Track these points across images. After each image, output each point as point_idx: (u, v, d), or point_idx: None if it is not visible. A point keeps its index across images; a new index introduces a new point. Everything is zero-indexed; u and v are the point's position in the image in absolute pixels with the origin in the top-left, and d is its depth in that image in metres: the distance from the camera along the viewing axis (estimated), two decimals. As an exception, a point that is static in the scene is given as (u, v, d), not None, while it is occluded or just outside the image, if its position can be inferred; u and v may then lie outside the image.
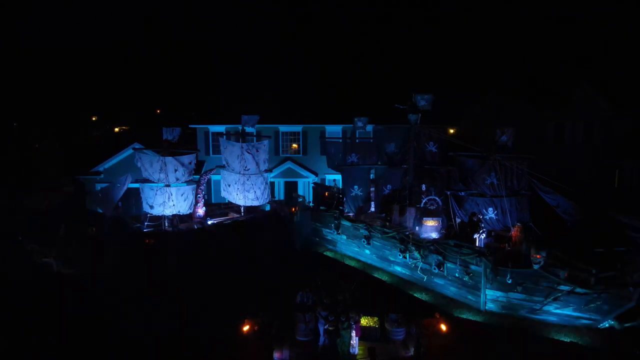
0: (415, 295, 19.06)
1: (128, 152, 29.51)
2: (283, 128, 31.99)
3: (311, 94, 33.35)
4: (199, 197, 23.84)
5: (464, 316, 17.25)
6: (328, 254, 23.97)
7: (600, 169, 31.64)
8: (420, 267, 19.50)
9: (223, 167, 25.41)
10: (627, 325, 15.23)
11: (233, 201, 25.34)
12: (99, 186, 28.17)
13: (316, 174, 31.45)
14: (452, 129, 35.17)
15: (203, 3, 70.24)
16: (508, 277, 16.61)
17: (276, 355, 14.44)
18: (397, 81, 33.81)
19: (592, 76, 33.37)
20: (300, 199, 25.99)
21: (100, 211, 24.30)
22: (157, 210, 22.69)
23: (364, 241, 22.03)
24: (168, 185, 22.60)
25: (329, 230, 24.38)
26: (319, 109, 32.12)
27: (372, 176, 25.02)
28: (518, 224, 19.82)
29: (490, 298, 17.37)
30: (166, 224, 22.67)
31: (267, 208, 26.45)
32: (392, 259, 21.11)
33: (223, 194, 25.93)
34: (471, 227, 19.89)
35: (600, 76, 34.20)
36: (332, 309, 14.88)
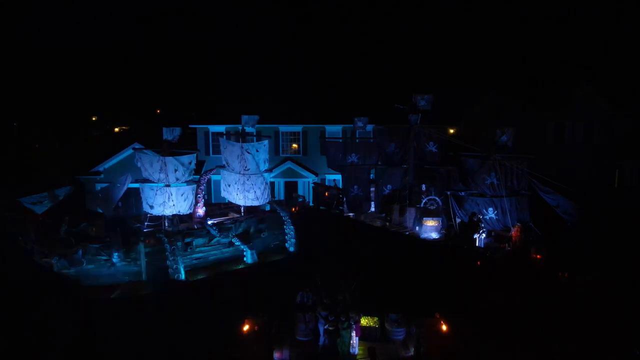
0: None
1: (128, 152, 29.49)
2: (283, 128, 31.97)
3: (311, 94, 33.32)
4: (199, 197, 23.82)
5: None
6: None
7: (600, 169, 31.64)
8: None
9: (223, 167, 25.39)
10: None
11: (233, 201, 25.31)
12: (99, 186, 28.15)
13: (316, 174, 31.43)
14: (452, 129, 35.16)
15: (203, 3, 70.28)
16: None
17: (276, 355, 14.43)
18: (397, 81, 33.79)
19: (592, 76, 33.36)
20: (300, 199, 25.99)
21: (100, 211, 24.26)
22: (157, 210, 22.67)
23: None
24: (168, 185, 22.58)
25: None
26: (319, 109, 32.10)
27: (372, 176, 25.03)
28: (518, 224, 19.84)
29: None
30: (166, 224, 22.64)
31: (267, 208, 26.44)
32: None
33: (223, 194, 25.91)
34: (471, 227, 19.91)
35: (600, 76, 34.19)
36: (332, 309, 14.87)
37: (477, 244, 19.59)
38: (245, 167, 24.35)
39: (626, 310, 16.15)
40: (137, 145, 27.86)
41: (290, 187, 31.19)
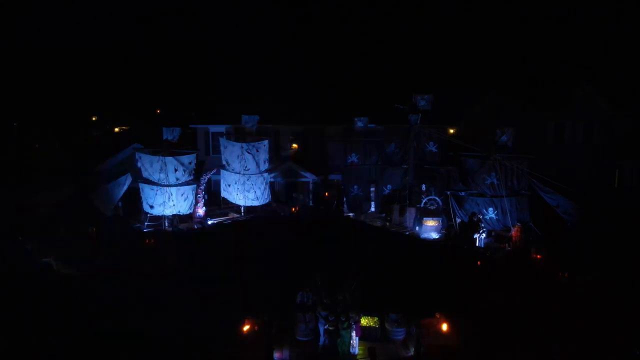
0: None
1: (128, 152, 29.48)
2: (283, 128, 31.94)
3: (311, 94, 33.29)
4: (199, 197, 23.84)
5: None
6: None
7: (600, 169, 31.62)
8: None
9: (223, 167, 25.39)
10: None
11: (233, 201, 25.31)
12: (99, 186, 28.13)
13: (316, 174, 31.40)
14: (452, 129, 35.14)
15: (203, 3, 70.30)
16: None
17: (276, 355, 14.42)
18: (397, 81, 33.77)
19: (592, 76, 33.34)
20: (300, 199, 26.01)
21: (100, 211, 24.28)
22: (157, 210, 22.68)
23: None
24: (168, 185, 22.60)
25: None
26: (319, 109, 32.06)
27: (372, 176, 25.05)
28: (518, 224, 19.85)
29: (491, 298, 17.23)
30: (166, 224, 22.66)
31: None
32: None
33: (223, 194, 25.90)
34: (471, 227, 19.91)
35: (600, 76, 34.17)
36: (332, 309, 14.87)
37: (477, 244, 19.59)
38: (245, 167, 24.35)
39: (626, 310, 16.14)
40: (137, 145, 27.85)
41: (290, 187, 31.16)
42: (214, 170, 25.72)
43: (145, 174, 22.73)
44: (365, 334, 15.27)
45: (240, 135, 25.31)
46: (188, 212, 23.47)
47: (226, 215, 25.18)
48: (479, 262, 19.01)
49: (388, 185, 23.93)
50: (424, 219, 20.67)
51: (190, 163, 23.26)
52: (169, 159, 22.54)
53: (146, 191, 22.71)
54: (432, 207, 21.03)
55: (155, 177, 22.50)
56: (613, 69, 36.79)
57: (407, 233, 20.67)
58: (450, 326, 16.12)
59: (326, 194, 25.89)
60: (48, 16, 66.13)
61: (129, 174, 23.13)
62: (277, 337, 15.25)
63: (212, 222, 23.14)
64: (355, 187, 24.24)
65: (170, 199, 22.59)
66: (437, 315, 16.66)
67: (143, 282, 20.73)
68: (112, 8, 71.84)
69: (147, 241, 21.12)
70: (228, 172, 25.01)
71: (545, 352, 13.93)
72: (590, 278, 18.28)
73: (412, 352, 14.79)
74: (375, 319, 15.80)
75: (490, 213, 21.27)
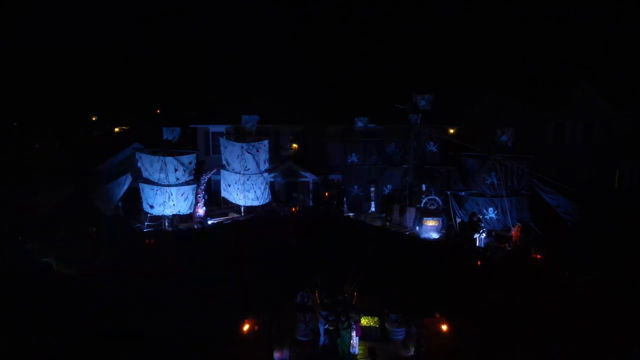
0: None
1: (128, 152, 29.47)
2: (283, 128, 31.94)
3: (311, 94, 33.28)
4: (199, 197, 23.85)
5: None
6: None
7: (600, 169, 31.61)
8: None
9: (223, 167, 25.40)
10: None
11: (233, 201, 25.32)
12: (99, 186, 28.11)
13: (316, 174, 31.40)
14: (452, 129, 35.14)
15: (203, 3, 70.30)
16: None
17: (276, 355, 14.42)
18: (397, 81, 33.76)
19: (592, 76, 33.33)
20: (300, 199, 26.01)
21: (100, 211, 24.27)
22: (157, 210, 22.68)
23: None
24: (168, 185, 22.60)
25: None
26: (319, 109, 32.06)
27: (372, 176, 25.06)
28: (518, 223, 19.84)
29: (491, 298, 17.23)
30: (166, 224, 22.66)
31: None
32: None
33: (223, 194, 25.89)
34: (471, 227, 19.91)
35: (600, 76, 34.16)
36: (332, 309, 14.87)
37: (477, 244, 19.59)
38: (246, 167, 24.36)
39: (626, 310, 16.13)
40: (137, 145, 27.85)
41: (290, 187, 31.15)
42: (214, 170, 25.73)
43: (145, 174, 22.74)
44: (365, 334, 15.27)
45: (240, 135, 25.32)
46: (188, 212, 23.47)
47: (226, 215, 25.18)
48: (479, 262, 19.01)
49: (388, 185, 23.93)
50: (424, 219, 20.67)
51: (190, 163, 23.26)
52: (169, 159, 22.54)
53: (146, 191, 22.72)
54: (432, 207, 21.03)
55: (155, 177, 22.50)
56: (613, 69, 36.79)
57: (407, 233, 20.67)
58: (450, 326, 16.12)
59: (326, 193, 25.89)
60: (48, 16, 66.16)
61: (129, 174, 23.14)
62: (277, 337, 15.26)
63: (212, 222, 23.14)
64: (355, 187, 24.25)
65: (170, 199, 22.60)
66: (437, 315, 16.66)
67: (143, 282, 20.73)
68: (112, 8, 71.87)
69: (147, 241, 21.11)
70: (228, 172, 25.02)
71: (545, 352, 13.93)
72: (590, 278, 18.28)
73: (412, 352, 14.79)
74: (375, 318, 15.80)
75: (491, 213, 21.26)
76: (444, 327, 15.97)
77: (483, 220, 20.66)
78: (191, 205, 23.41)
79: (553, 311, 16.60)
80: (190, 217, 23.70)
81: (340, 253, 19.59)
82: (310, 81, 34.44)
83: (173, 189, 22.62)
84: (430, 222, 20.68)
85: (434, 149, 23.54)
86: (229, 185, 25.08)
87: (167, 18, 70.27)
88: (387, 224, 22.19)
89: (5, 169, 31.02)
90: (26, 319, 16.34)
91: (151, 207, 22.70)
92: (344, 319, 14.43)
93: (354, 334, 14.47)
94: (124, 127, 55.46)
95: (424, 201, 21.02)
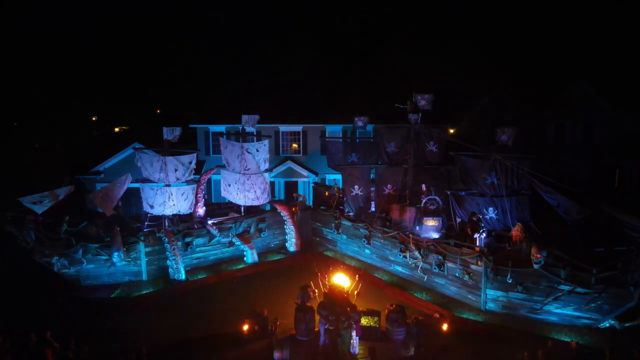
0: (416, 294, 19.09)
1: (128, 152, 29.50)
2: (283, 128, 31.98)
3: (311, 94, 33.31)
4: (199, 196, 23.86)
5: (465, 316, 17.27)
6: (328, 253, 24.01)
7: (600, 169, 31.60)
8: (421, 267, 19.52)
9: (223, 166, 25.41)
10: (627, 324, 15.25)
11: (233, 201, 25.34)
12: (99, 186, 28.13)
13: (316, 174, 31.42)
14: (452, 129, 35.13)
15: (203, 3, 70.26)
16: (508, 277, 16.63)
17: (276, 355, 14.44)
18: (397, 81, 33.72)
19: (592, 76, 33.31)
20: (301, 199, 26.02)
21: (100, 211, 24.26)
22: (158, 210, 22.69)
23: (364, 241, 22.10)
24: (168, 185, 22.59)
25: (329, 230, 24.41)
26: (319, 109, 32.09)
27: (372, 176, 25.02)
28: (518, 223, 19.81)
29: (491, 298, 17.38)
30: (166, 224, 22.65)
31: (267, 208, 26.46)
32: (392, 258, 21.16)
33: (223, 193, 25.92)
34: (471, 226, 19.89)
35: (601, 76, 34.14)
36: (332, 309, 14.88)
37: (477, 244, 19.57)
38: (246, 166, 24.37)
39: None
40: (137, 145, 27.87)
41: (290, 187, 31.19)
42: (214, 170, 25.79)
43: (145, 174, 22.74)
44: (365, 334, 15.29)
45: (240, 135, 25.34)
46: (188, 212, 23.49)
47: (226, 215, 25.21)
48: (479, 262, 18.97)
49: (388, 185, 23.94)
50: (424, 218, 20.67)
51: (190, 163, 23.26)
52: (169, 158, 22.54)
53: (146, 191, 22.73)
54: (432, 207, 21.00)
55: (155, 177, 22.52)
56: (614, 69, 36.74)
57: (407, 233, 20.67)
58: (450, 326, 16.14)
59: (326, 193, 25.90)
60: (48, 15, 66.14)
61: (129, 174, 23.11)
62: (277, 337, 15.28)
63: (212, 221, 23.16)
64: (355, 187, 24.25)
65: (170, 199, 22.61)
66: (437, 315, 16.68)
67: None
68: (112, 8, 71.84)
69: (147, 241, 21.16)
70: (228, 172, 25.04)
71: (544, 349, 13.96)
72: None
73: (412, 352, 14.80)
74: (376, 318, 15.82)
75: (491, 213, 21.24)
76: (444, 327, 16.00)
77: (483, 220, 20.63)
78: (191, 205, 23.42)
79: (553, 311, 16.59)
80: (190, 216, 23.71)
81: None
82: (310, 81, 34.42)
83: (173, 189, 22.64)
84: (430, 222, 20.68)
85: (434, 149, 23.51)
86: (229, 185, 25.10)
87: (167, 18, 70.24)
88: (387, 223, 22.20)
89: (5, 169, 31.05)
90: (26, 318, 16.37)
91: (151, 207, 22.71)
92: (344, 319, 14.45)
93: (354, 333, 14.48)
94: (124, 127, 55.47)
95: (424, 201, 21.00)
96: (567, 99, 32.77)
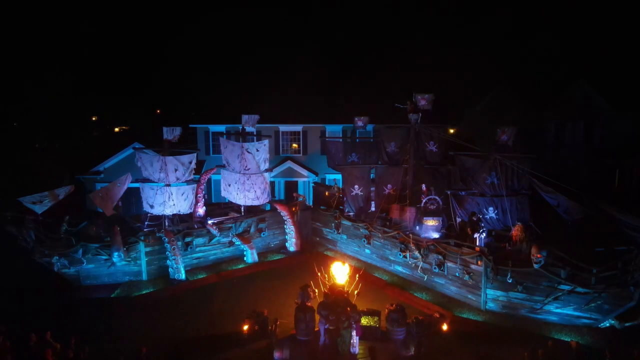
0: (416, 294, 19.08)
1: (128, 152, 29.50)
2: (283, 128, 31.98)
3: (311, 93, 33.31)
4: (199, 196, 23.85)
5: (465, 316, 17.26)
6: (328, 253, 24.01)
7: (600, 169, 31.62)
8: (421, 267, 19.51)
9: (223, 166, 25.41)
10: (627, 324, 15.24)
11: (233, 201, 25.34)
12: (99, 186, 28.13)
13: (316, 174, 31.43)
14: (452, 129, 35.15)
15: (203, 3, 70.29)
16: (508, 277, 16.62)
17: (276, 355, 14.43)
18: (397, 81, 33.73)
19: (593, 76, 33.32)
20: (301, 199, 26.02)
21: (100, 210, 24.26)
22: (158, 210, 22.68)
23: (364, 241, 22.10)
24: (168, 185, 22.59)
25: (329, 230, 24.41)
26: (319, 109, 32.09)
27: (372, 176, 25.00)
28: (518, 223, 19.80)
29: (491, 297, 17.38)
30: (166, 224, 22.64)
31: (267, 208, 26.46)
32: (392, 258, 21.15)
33: (223, 193, 25.92)
34: (471, 226, 19.88)
35: (601, 76, 34.15)
36: (332, 308, 14.88)
37: (477, 244, 19.56)
38: (246, 166, 24.36)
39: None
40: (137, 145, 27.87)
41: (290, 187, 31.19)
42: (214, 170, 25.79)
43: (145, 174, 22.74)
44: (365, 334, 15.27)
45: (240, 135, 25.34)
46: (188, 212, 23.48)
47: (226, 214, 25.20)
48: (479, 262, 18.97)
49: (388, 185, 23.92)
50: (424, 218, 20.65)
51: (190, 163, 23.26)
52: (169, 158, 22.53)
53: (146, 191, 22.73)
54: (432, 207, 20.98)
55: (155, 176, 22.52)
56: (614, 69, 36.77)
57: (408, 233, 20.67)
58: (450, 326, 16.13)
59: (326, 193, 25.90)
60: (47, 15, 66.10)
61: (129, 173, 23.12)
62: (277, 337, 15.27)
63: (212, 221, 23.16)
64: (355, 186, 24.23)
65: (170, 199, 22.60)
66: (437, 315, 16.68)
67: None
68: (112, 8, 71.82)
69: (147, 240, 21.16)
70: (228, 172, 25.03)
71: (544, 348, 13.95)
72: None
73: (412, 351, 14.79)
74: (376, 318, 15.81)
75: (491, 212, 21.22)
76: (444, 327, 15.99)
77: (483, 220, 20.62)
78: (191, 204, 23.41)
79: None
80: (190, 216, 23.70)
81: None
82: (310, 81, 34.41)
83: (173, 189, 22.63)
84: (431, 222, 20.66)
85: (434, 149, 23.49)
86: (229, 185, 25.10)
87: (167, 18, 70.28)
88: (387, 223, 22.20)
89: (6, 169, 31.05)
90: (26, 318, 16.37)
91: (151, 206, 22.71)
92: (344, 319, 14.44)
93: (354, 333, 14.47)
94: (124, 127, 55.49)
95: (424, 201, 20.98)
96: (568, 99, 32.80)
